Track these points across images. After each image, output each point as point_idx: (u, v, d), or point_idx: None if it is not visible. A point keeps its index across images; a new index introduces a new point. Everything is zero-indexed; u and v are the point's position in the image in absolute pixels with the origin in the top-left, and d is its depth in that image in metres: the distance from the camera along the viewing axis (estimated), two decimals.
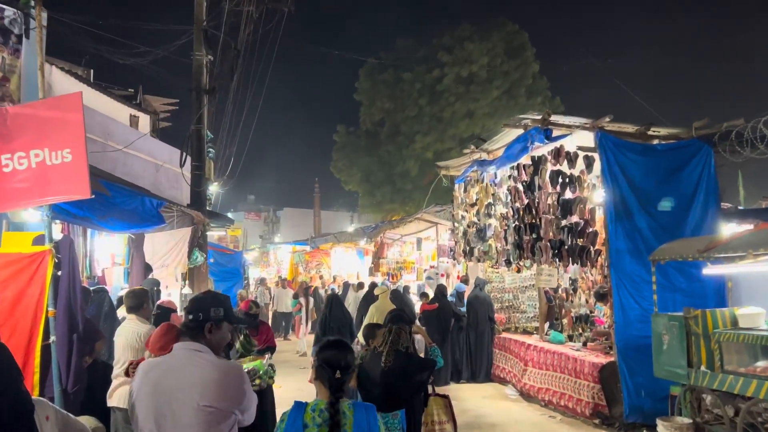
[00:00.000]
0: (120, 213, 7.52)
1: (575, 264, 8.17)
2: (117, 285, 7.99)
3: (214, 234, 16.38)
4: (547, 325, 9.68)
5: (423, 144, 30.28)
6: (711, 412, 6.02)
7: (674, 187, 7.98)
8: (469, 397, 9.60)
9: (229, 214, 71.25)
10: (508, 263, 9.18)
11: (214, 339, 2.74)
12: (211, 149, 11.14)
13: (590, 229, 8.06)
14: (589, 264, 8.05)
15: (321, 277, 21.72)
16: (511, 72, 30.30)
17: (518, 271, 9.82)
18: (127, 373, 4.67)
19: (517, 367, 9.69)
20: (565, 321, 9.92)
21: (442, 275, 13.16)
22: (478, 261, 10.60)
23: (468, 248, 10.61)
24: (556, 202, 8.19)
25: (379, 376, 4.44)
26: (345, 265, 21.72)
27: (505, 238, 9.21)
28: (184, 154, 10.77)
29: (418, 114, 31.13)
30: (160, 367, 2.65)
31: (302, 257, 25.25)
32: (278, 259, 29.65)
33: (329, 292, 19.16)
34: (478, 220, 10.29)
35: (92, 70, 18.60)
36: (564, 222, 8.20)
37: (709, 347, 6.05)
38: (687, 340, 6.23)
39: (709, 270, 6.88)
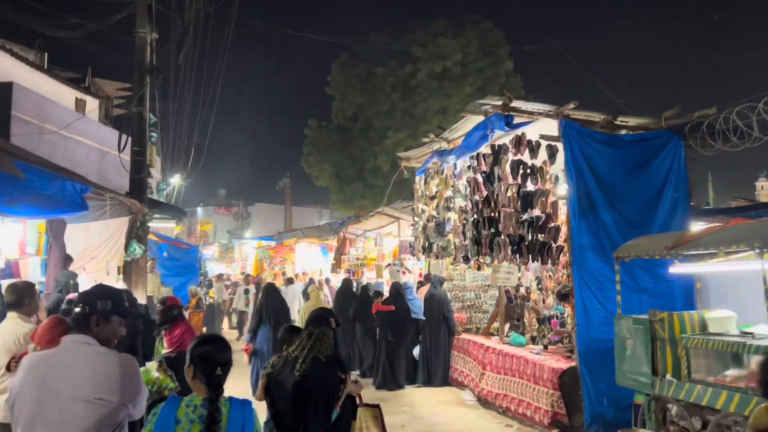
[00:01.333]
0: (35, 198, 6.76)
1: (535, 261, 7.60)
2: (33, 278, 7.21)
3: (166, 226, 15.52)
4: (507, 326, 9.11)
5: (395, 140, 29.73)
6: (677, 424, 5.47)
7: (642, 180, 7.50)
8: (423, 402, 8.99)
9: (199, 209, 69.98)
10: (466, 260, 8.58)
11: (102, 333, 2.68)
12: (153, 133, 10.37)
13: (552, 224, 7.52)
14: (550, 261, 7.49)
15: (284, 274, 21.00)
16: (485, 69, 30.00)
17: (478, 268, 9.23)
18: (8, 368, 4.00)
19: (475, 370, 9.11)
20: (528, 322, 9.38)
21: (404, 273, 12.55)
22: (437, 257, 9.99)
23: (427, 244, 10.00)
24: (516, 195, 7.61)
25: (292, 387, 3.79)
26: (309, 262, 21.04)
27: (464, 233, 8.62)
28: (124, 137, 9.97)
29: (391, 109, 30.80)
30: (47, 360, 2.58)
31: (266, 253, 24.56)
32: (243, 255, 28.97)
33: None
34: (438, 213, 9.68)
35: (46, 54, 17.70)
36: (525, 216, 7.64)
37: (675, 353, 5.51)
38: (652, 346, 5.68)
39: (677, 269, 6.39)
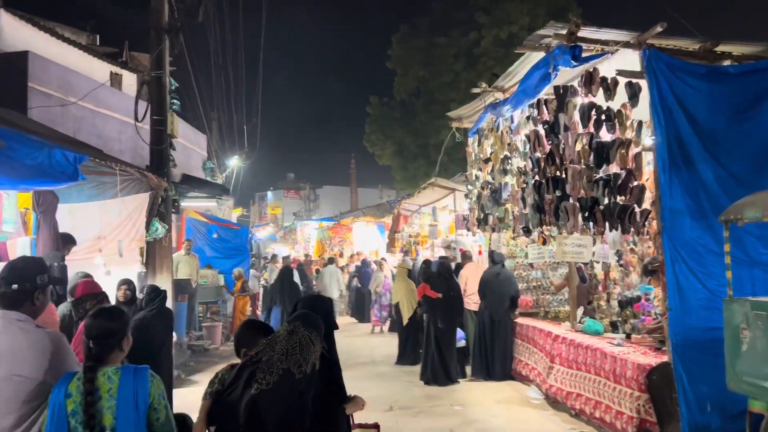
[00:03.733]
0: (15, 168, 5.83)
1: (614, 230, 6.05)
2: None
3: (206, 205, 14.72)
4: (580, 310, 7.60)
5: None
6: None
7: (752, 123, 5.81)
8: (479, 401, 7.65)
9: (269, 193, 71.23)
10: (527, 231, 7.14)
11: (42, 306, 2.81)
12: (175, 100, 9.38)
13: (635, 183, 5.96)
14: (633, 230, 5.93)
15: (340, 255, 20.03)
16: None
17: (543, 242, 7.73)
18: None
19: (542, 363, 7.67)
20: (604, 304, 7.84)
21: (461, 250, 11.13)
22: (493, 230, 8.54)
23: (482, 215, 8.57)
24: (588, 147, 6.09)
25: (243, 407, 2.56)
26: (367, 241, 19.96)
27: (523, 199, 7.16)
28: (141, 105, 9.05)
29: (454, 80, 29.34)
30: None
31: (326, 234, 23.76)
32: (305, 236, 28.34)
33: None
34: (493, 178, 8.22)
35: (98, 36, 17.23)
36: (599, 174, 6.12)
37: None
38: None
39: None
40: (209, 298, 13.67)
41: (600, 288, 8.05)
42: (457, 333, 8.59)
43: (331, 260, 14.42)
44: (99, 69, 12.98)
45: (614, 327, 7.33)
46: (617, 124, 6.05)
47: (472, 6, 29.44)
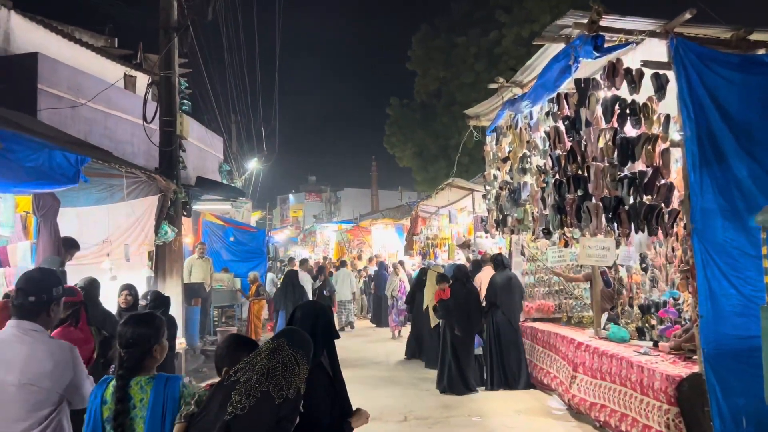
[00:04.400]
0: (13, 170, 5.65)
1: (639, 232, 5.67)
2: (22, 266, 6.13)
3: (220, 208, 14.53)
4: (604, 316, 7.20)
5: None
6: None
7: None
8: (498, 410, 7.30)
9: (291, 196, 71.67)
10: (548, 233, 6.77)
11: (56, 317, 2.87)
12: (185, 101, 9.20)
13: (662, 181, 5.57)
14: (661, 231, 5.54)
15: (359, 258, 19.75)
16: None
17: (565, 244, 7.35)
18: None
19: (564, 371, 7.30)
20: (629, 309, 7.45)
21: (481, 253, 10.77)
22: (512, 232, 8.17)
23: (501, 216, 8.21)
24: (611, 143, 5.71)
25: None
26: (387, 244, 19.67)
27: (543, 200, 6.79)
28: (151, 106, 8.89)
29: (475, 81, 28.89)
30: None
31: (345, 236, 23.54)
32: (325, 239, 28.18)
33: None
34: (512, 178, 7.86)
35: (116, 39, 17.18)
36: (624, 171, 5.74)
37: None
38: None
39: None
40: (224, 302, 13.49)
41: (625, 293, 7.64)
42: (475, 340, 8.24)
43: (343, 263, 14.15)
44: (112, 71, 12.86)
45: (640, 333, 6.94)
46: (643, 119, 5.65)
47: (493, 5, 29.07)
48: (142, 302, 5.28)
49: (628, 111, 5.70)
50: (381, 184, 50.87)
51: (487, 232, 9.41)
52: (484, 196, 9.62)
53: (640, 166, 5.72)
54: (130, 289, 5.72)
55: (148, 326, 2.69)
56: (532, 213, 7.39)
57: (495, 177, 8.66)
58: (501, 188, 8.29)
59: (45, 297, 2.74)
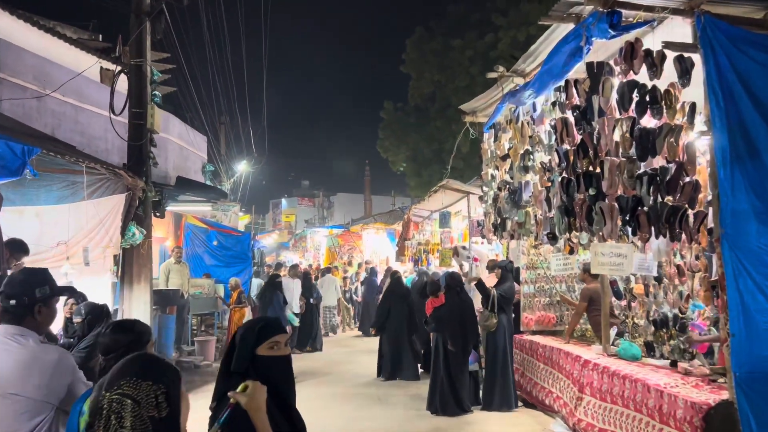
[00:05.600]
0: None
1: (660, 236, 4.97)
2: None
3: (200, 210, 13.80)
4: (613, 331, 6.49)
5: None
6: None
7: None
8: None
9: (283, 200, 71.17)
10: (553, 238, 6.07)
11: (45, 319, 2.75)
12: (156, 92, 8.47)
13: (687, 179, 4.88)
14: (686, 236, 4.84)
15: (349, 263, 19.04)
16: None
17: (570, 251, 6.65)
18: None
19: (569, 392, 6.58)
20: (639, 322, 6.76)
21: (475, 260, 10.07)
22: (512, 237, 7.45)
23: (499, 220, 7.50)
24: (628, 135, 5.01)
25: None
26: (378, 249, 18.98)
27: (547, 200, 6.09)
28: (119, 96, 8.18)
29: (470, 84, 28.47)
30: None
31: (336, 241, 22.85)
32: (315, 244, 27.51)
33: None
34: (512, 177, 7.15)
35: (100, 35, 16.45)
36: (642, 167, 5.04)
37: None
38: None
39: None
40: (204, 309, 12.75)
41: (635, 305, 6.94)
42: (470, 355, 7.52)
43: (327, 269, 13.48)
44: (88, 64, 12.09)
45: (649, 348, 6.26)
46: (665, 108, 4.97)
47: (489, 8, 28.66)
48: (76, 319, 4.38)
49: (647, 99, 5.00)
50: (374, 189, 50.46)
51: (483, 237, 8.70)
52: (480, 198, 8.93)
53: (660, 161, 5.03)
54: (73, 295, 4.89)
55: (126, 332, 2.65)
56: (535, 215, 6.69)
57: (493, 177, 7.95)
58: (500, 189, 7.58)
59: (26, 300, 2.64)
